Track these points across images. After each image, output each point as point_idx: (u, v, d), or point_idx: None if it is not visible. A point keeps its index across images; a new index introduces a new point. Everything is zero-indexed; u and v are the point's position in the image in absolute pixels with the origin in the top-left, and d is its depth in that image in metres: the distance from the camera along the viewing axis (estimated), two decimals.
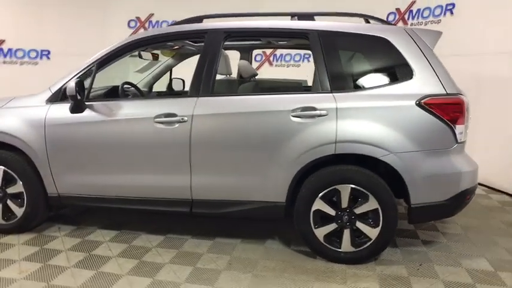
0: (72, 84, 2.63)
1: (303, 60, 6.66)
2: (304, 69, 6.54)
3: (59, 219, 3.32)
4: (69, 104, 2.81)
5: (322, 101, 2.53)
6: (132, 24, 6.64)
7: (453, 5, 4.76)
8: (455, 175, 2.50)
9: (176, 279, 2.44)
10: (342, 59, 2.62)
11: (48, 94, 2.92)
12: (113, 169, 2.83)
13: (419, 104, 2.44)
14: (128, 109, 2.78)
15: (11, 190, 2.98)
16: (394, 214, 2.53)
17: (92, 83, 2.85)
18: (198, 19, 2.89)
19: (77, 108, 2.78)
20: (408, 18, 5.36)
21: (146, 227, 3.20)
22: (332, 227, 2.60)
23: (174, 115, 2.66)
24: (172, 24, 3.00)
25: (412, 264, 2.66)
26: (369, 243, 2.58)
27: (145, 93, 3.67)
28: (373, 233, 2.55)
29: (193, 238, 3.03)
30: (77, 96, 2.65)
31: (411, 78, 2.51)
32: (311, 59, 6.50)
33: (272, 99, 2.66)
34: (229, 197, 2.71)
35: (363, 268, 2.60)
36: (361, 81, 2.65)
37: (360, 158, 2.56)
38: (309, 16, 2.75)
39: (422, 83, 2.49)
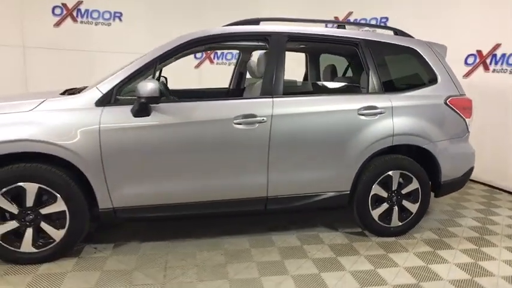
0: (153, 85, 2.39)
1: None
2: None
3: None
4: (132, 107, 2.52)
5: (380, 101, 2.96)
6: (58, 11, 5.73)
7: (387, 18, 5.77)
8: (467, 156, 3.28)
9: None
10: (387, 64, 3.10)
11: (98, 95, 2.54)
12: (183, 174, 2.67)
13: (445, 103, 3.11)
14: (202, 111, 2.66)
15: (46, 210, 2.50)
16: (429, 191, 3.16)
17: None
18: (255, 21, 2.94)
19: (143, 111, 2.52)
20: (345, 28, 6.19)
21: None
22: (385, 207, 3.08)
23: (253, 116, 2.70)
24: (227, 25, 2.94)
25: (433, 229, 3.35)
26: (411, 217, 3.15)
27: None
28: (414, 208, 3.13)
29: None
30: (159, 99, 2.43)
31: (436, 82, 3.16)
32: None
33: (340, 99, 2.96)
34: (303, 191, 2.90)
35: (406, 238, 3.16)
36: (402, 83, 3.17)
37: (394, 147, 3.08)
38: (356, 26, 3.14)
39: (444, 86, 3.17)
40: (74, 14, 5.84)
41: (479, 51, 4.74)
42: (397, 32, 3.31)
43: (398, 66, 3.21)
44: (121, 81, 2.58)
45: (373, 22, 5.94)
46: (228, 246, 2.91)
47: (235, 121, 2.67)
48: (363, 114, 2.91)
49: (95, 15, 5.99)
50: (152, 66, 2.64)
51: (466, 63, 4.89)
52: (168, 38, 2.79)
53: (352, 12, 6.15)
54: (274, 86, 2.80)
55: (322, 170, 2.90)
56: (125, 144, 2.53)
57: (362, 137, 2.91)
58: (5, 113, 2.44)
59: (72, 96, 2.59)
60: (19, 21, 5.43)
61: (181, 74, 6.65)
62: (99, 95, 2.54)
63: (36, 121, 2.44)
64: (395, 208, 3.10)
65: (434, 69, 3.17)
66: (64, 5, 5.76)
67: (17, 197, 2.45)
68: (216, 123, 2.66)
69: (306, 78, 4.34)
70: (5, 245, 2.48)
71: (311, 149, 2.85)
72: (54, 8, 5.71)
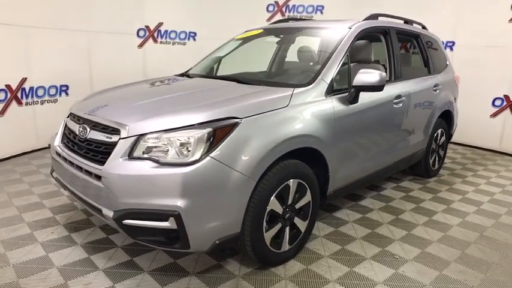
0: (383, 74, 2.66)
1: (189, 39, 6.69)
2: (190, 47, 6.63)
3: None
4: (349, 95, 2.73)
5: (438, 79, 4.09)
6: None
7: (323, 6, 6.81)
8: (458, 113, 4.85)
9: None
10: (429, 52, 4.20)
11: (324, 86, 2.62)
12: (375, 148, 3.13)
13: (453, 78, 4.53)
14: (379, 94, 3.07)
15: (299, 204, 2.50)
16: (448, 141, 4.58)
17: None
18: (375, 16, 3.43)
19: (356, 98, 2.76)
20: (285, 11, 6.91)
21: None
22: (434, 155, 4.32)
23: (400, 96, 3.34)
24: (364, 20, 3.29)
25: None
26: (441, 160, 4.52)
27: None
28: (442, 153, 4.51)
29: None
30: (383, 88, 2.72)
31: (447, 65, 4.52)
32: (196, 37, 6.73)
33: (424, 80, 3.87)
34: (415, 149, 3.82)
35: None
36: (437, 67, 4.34)
37: None
38: (411, 22, 4.07)
39: (450, 67, 4.57)
40: None
41: None
42: (423, 27, 4.45)
43: (431, 54, 4.38)
44: (334, 72, 2.72)
45: (310, 9, 6.92)
46: None
47: (393, 101, 3.26)
48: (434, 90, 3.98)
49: None
50: (346, 55, 2.85)
51: None
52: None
53: None
54: (401, 71, 3.48)
55: (422, 130, 3.86)
56: (346, 129, 2.74)
57: (435, 105, 4.00)
58: (267, 111, 2.26)
59: (305, 88, 2.55)
60: None
61: (125, 53, 5.95)
62: (326, 86, 2.63)
63: (298, 116, 2.38)
64: (435, 155, 4.39)
65: (445, 55, 4.52)
66: None
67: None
68: (388, 103, 3.18)
69: None
70: (272, 249, 2.36)
71: (420, 116, 3.76)
72: None
